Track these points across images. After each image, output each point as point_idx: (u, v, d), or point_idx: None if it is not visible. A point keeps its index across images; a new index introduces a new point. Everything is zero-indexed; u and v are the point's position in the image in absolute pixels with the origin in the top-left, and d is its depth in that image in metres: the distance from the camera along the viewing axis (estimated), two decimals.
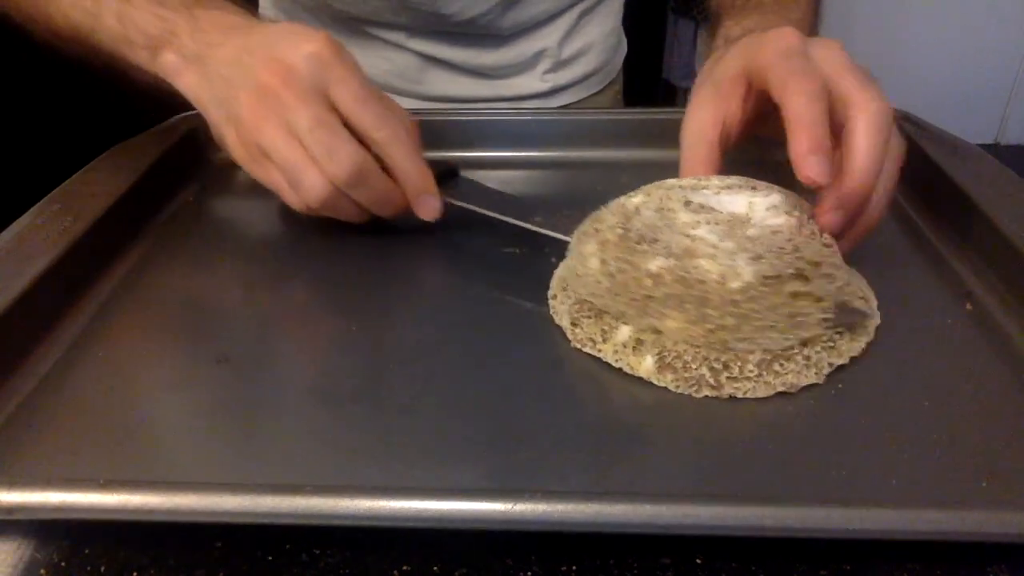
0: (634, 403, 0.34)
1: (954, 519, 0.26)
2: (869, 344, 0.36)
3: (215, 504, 0.27)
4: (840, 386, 0.34)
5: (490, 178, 0.53)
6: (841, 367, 0.34)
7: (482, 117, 0.56)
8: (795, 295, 0.33)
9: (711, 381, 0.33)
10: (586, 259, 0.37)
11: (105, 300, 0.40)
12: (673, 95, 1.76)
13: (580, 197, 0.48)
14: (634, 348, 0.34)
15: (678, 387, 0.33)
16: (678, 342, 0.34)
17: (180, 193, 0.52)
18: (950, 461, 0.30)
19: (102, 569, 0.28)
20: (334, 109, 0.41)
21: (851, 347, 0.35)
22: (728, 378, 0.33)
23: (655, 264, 0.34)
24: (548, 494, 0.27)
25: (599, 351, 0.35)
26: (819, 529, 0.26)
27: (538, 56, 0.68)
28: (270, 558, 0.28)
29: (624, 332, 0.35)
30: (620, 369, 0.35)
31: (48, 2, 0.49)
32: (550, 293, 0.39)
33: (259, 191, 0.53)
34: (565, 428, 0.32)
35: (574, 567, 0.28)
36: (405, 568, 0.28)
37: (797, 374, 0.34)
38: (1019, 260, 0.38)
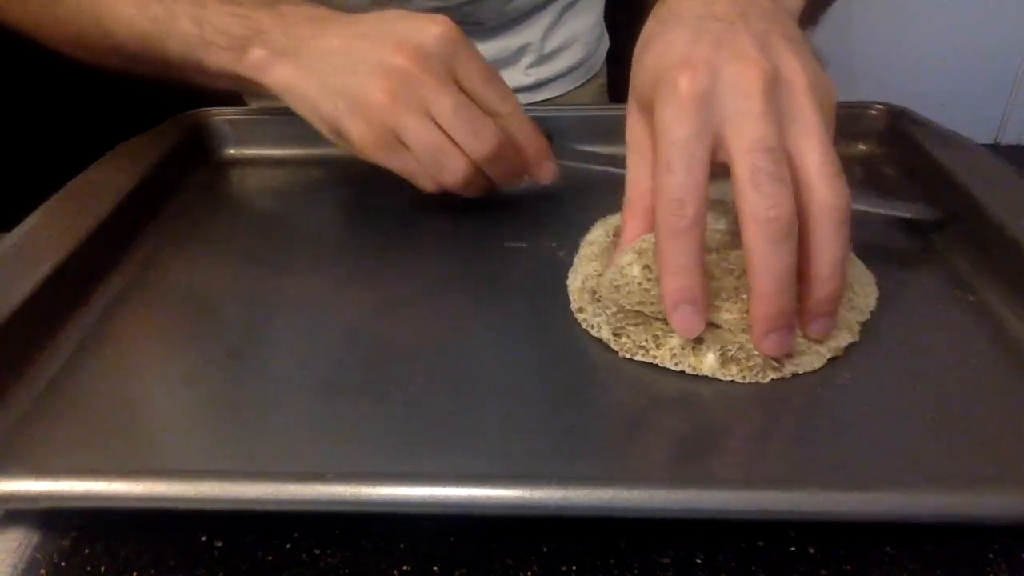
0: (640, 394, 0.34)
1: (962, 502, 0.27)
2: (877, 301, 0.37)
3: (240, 492, 0.27)
4: (845, 375, 0.34)
5: None
6: (839, 358, 0.35)
7: None
8: None
9: (774, 363, 0.34)
10: (625, 269, 0.37)
11: (114, 297, 0.41)
12: None
13: (584, 193, 0.49)
14: (693, 348, 0.34)
15: (744, 377, 0.34)
16: (737, 333, 0.34)
17: (186, 190, 0.52)
18: (954, 448, 0.30)
19: (102, 569, 0.28)
20: (462, 88, 0.41)
21: (867, 302, 0.37)
22: (788, 357, 0.34)
23: None
24: (566, 479, 0.27)
25: (654, 357, 0.35)
26: (830, 513, 0.27)
27: (522, 50, 0.69)
28: (270, 558, 0.28)
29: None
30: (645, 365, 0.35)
31: (110, 18, 0.48)
32: (574, 307, 0.39)
33: (265, 188, 0.54)
34: (570, 417, 0.32)
35: (574, 567, 0.28)
36: (405, 568, 0.28)
37: (837, 337, 0.35)
38: (1014, 248, 0.38)
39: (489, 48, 0.67)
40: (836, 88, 0.33)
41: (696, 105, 0.30)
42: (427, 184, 0.43)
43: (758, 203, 0.30)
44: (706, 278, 0.32)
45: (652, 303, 0.35)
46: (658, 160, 0.31)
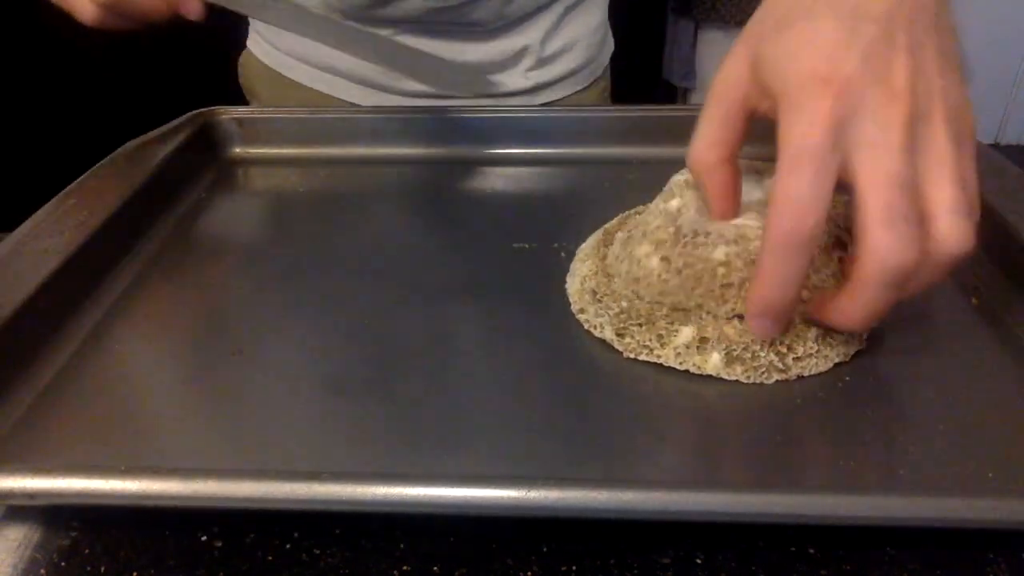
0: (645, 394, 0.34)
1: (960, 507, 0.26)
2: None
3: (234, 491, 0.27)
4: (847, 379, 0.34)
5: (498, 174, 0.54)
6: (844, 362, 0.35)
7: (490, 114, 0.56)
8: (840, 260, 0.35)
9: (779, 365, 0.34)
10: (642, 260, 0.36)
11: (120, 294, 0.41)
12: (672, 95, 1.76)
13: (590, 194, 0.48)
14: (698, 348, 0.35)
15: (749, 377, 0.34)
16: (743, 332, 0.34)
17: (193, 189, 0.52)
18: (956, 452, 0.30)
19: (102, 569, 0.28)
20: None
21: None
22: (795, 359, 0.34)
23: (720, 252, 0.34)
24: (562, 480, 0.27)
25: (658, 357, 0.35)
26: (828, 516, 0.27)
27: (521, 53, 0.68)
28: (270, 558, 0.28)
29: (686, 334, 0.35)
30: (640, 364, 0.35)
31: None
32: (575, 308, 0.39)
33: (272, 187, 0.54)
34: (572, 417, 0.32)
35: (574, 567, 0.28)
36: (405, 568, 0.28)
37: (846, 343, 0.35)
38: (1021, 252, 0.38)
39: (490, 51, 0.66)
40: (974, 118, 0.31)
41: (832, 126, 0.28)
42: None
43: (889, 245, 0.28)
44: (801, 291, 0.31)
45: (672, 294, 0.35)
46: (783, 163, 0.29)
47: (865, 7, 0.30)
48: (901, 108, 0.28)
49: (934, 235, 0.28)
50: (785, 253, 0.29)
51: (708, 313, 0.35)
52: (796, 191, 0.28)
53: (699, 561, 0.28)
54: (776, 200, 0.29)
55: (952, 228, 0.28)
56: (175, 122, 0.55)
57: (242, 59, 0.74)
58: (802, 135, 0.29)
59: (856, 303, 0.30)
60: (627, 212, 0.45)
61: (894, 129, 0.28)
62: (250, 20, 0.69)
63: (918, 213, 0.28)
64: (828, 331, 0.35)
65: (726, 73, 0.33)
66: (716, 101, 0.33)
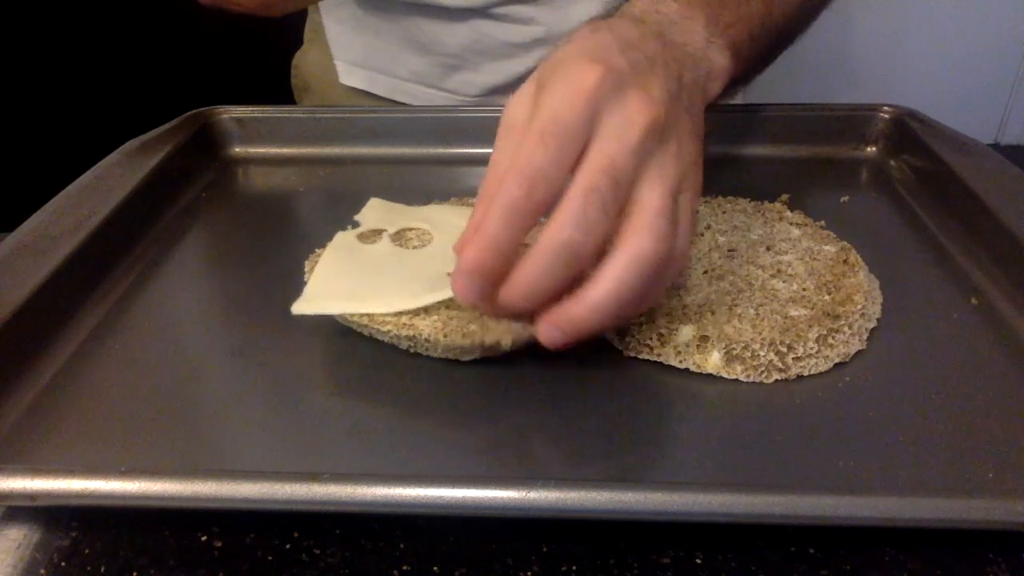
0: (645, 392, 0.34)
1: (960, 507, 0.26)
2: (882, 306, 0.38)
3: (233, 491, 0.27)
4: (847, 379, 0.34)
5: None
6: (844, 363, 0.35)
7: (490, 114, 0.56)
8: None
9: (779, 364, 0.34)
10: None
11: (121, 293, 0.41)
12: None
13: None
14: (698, 346, 0.35)
15: (748, 377, 0.34)
16: (743, 332, 0.35)
17: (194, 188, 0.52)
18: (956, 453, 0.30)
19: (102, 569, 0.28)
20: None
21: (875, 309, 0.38)
22: (794, 359, 0.34)
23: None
24: (561, 481, 0.27)
25: (658, 355, 0.35)
26: (828, 517, 0.27)
27: (539, 42, 0.63)
28: (270, 558, 0.28)
29: (686, 332, 0.35)
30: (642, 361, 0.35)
31: None
32: None
33: (272, 186, 0.54)
34: (573, 416, 0.32)
35: (574, 567, 0.28)
36: (405, 568, 0.28)
37: (846, 343, 0.35)
38: (1022, 252, 0.38)
39: (512, 32, 0.62)
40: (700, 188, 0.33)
41: (590, 102, 0.29)
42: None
43: (575, 218, 0.28)
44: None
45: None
46: (531, 130, 0.29)
47: (638, 43, 0.32)
48: (649, 114, 0.30)
49: (627, 227, 0.29)
50: (506, 220, 0.29)
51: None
52: (539, 162, 0.29)
53: (699, 561, 0.28)
54: (516, 164, 0.29)
55: (646, 225, 0.29)
56: (175, 122, 0.55)
57: (296, 59, 0.73)
58: (558, 106, 0.29)
59: (523, 271, 0.29)
60: None
61: (635, 129, 0.29)
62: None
63: (619, 206, 0.29)
64: (828, 331, 0.35)
65: (515, 104, 0.32)
66: (506, 132, 0.32)
